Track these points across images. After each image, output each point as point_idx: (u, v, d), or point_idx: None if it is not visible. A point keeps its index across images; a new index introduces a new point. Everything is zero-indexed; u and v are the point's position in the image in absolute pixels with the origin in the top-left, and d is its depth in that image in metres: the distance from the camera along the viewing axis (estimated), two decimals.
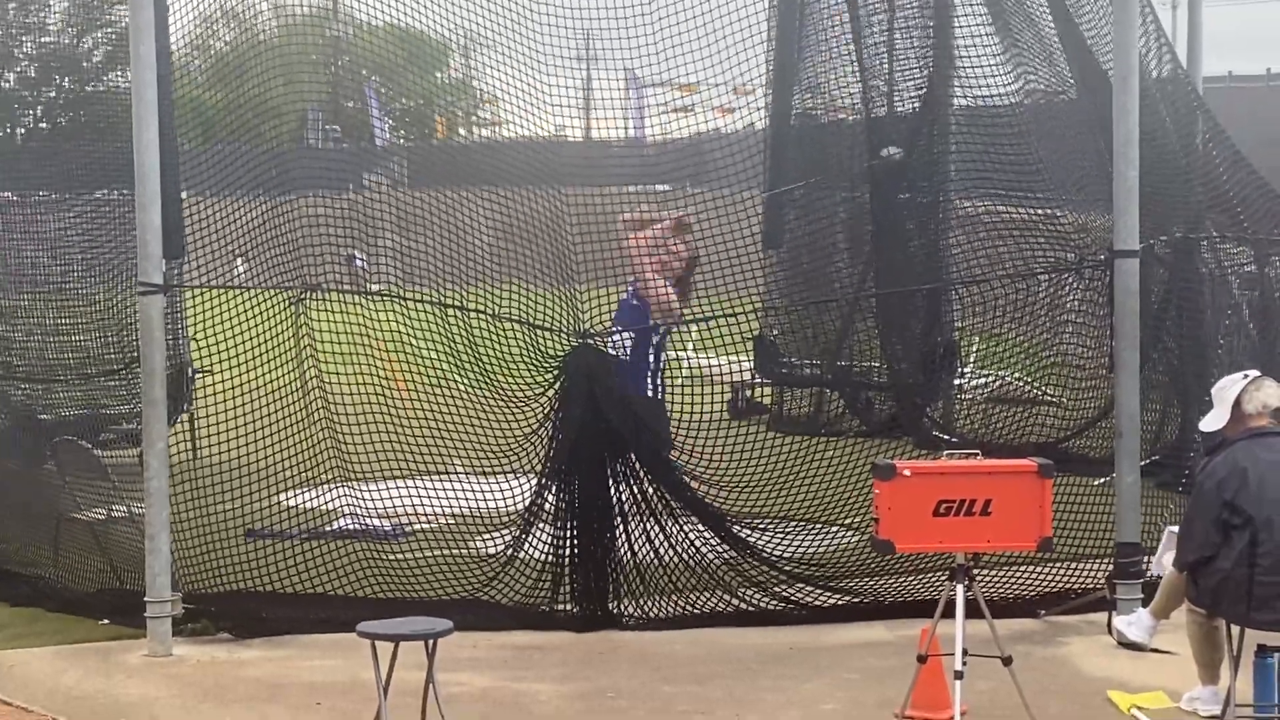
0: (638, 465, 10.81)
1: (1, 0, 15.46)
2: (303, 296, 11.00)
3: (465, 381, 11.37)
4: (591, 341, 10.81)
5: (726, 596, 10.96)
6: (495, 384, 11.12)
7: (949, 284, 12.89)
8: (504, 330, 11.10)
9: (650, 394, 11.89)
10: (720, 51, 11.96)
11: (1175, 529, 9.88)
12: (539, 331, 10.90)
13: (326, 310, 11.39)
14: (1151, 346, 11.47)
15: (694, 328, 12.60)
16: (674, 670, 9.95)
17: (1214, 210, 12.83)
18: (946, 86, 13.82)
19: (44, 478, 12.55)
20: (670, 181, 12.66)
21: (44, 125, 16.25)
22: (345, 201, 12.59)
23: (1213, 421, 8.65)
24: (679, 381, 12.69)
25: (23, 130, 16.41)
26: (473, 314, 11.10)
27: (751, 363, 14.82)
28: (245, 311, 11.23)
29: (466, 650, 10.08)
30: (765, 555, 11.12)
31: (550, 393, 10.79)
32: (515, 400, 11.02)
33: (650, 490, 10.88)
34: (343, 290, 11.42)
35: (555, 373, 10.76)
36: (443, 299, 11.24)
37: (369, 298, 11.55)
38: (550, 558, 10.84)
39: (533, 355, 10.95)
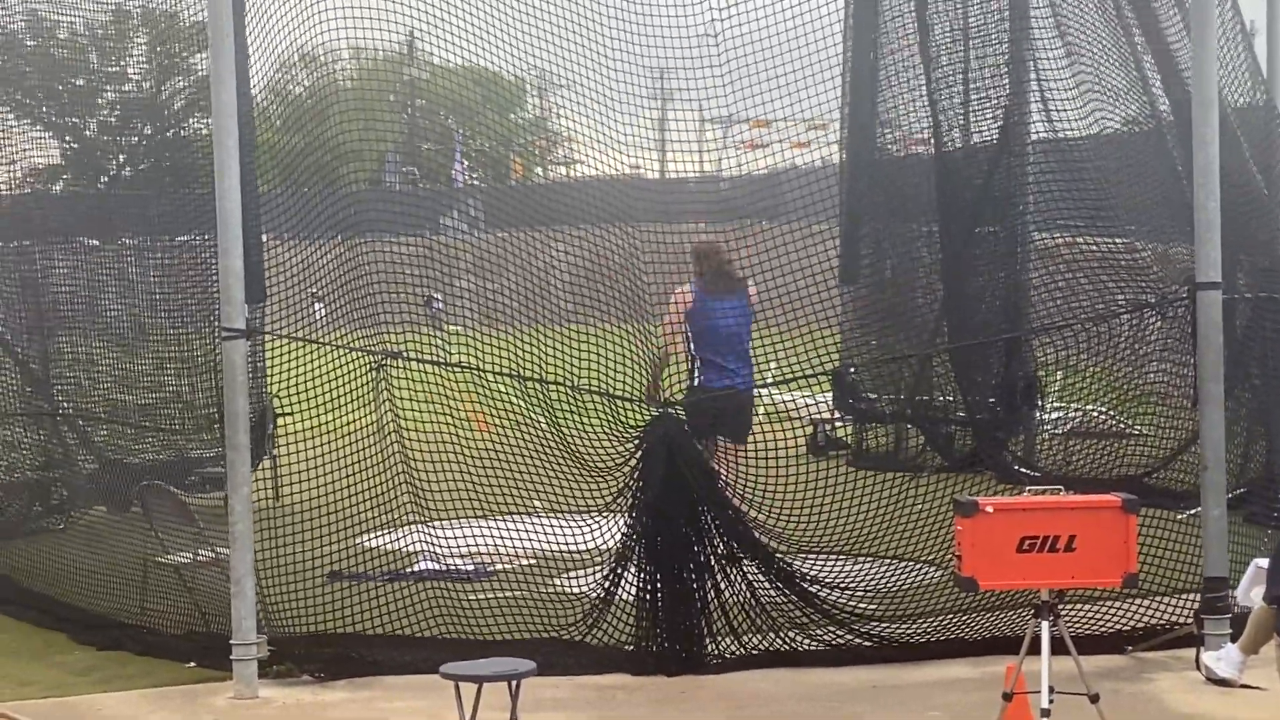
0: (716, 522, 10.80)
1: (84, 49, 15.70)
2: (384, 362, 11.06)
3: (545, 421, 11.39)
4: (672, 410, 10.82)
5: (808, 635, 10.91)
6: (576, 453, 11.13)
7: (1029, 332, 12.81)
8: (583, 401, 11.14)
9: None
10: (795, 85, 11.95)
11: (1262, 562, 9.77)
12: (619, 402, 10.94)
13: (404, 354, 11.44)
14: (1236, 379, 11.33)
15: (771, 364, 12.58)
16: (756, 709, 9.91)
17: None
18: (1024, 118, 13.75)
19: (131, 522, 12.66)
20: (746, 217, 12.66)
21: (126, 172, 16.44)
22: (423, 243, 12.65)
23: None
24: (757, 419, 12.66)
25: (106, 177, 16.62)
26: (552, 387, 11.12)
27: (831, 399, 14.79)
28: (325, 354, 11.30)
29: (549, 691, 10.08)
30: (842, 606, 11.06)
31: (632, 463, 10.80)
32: (597, 469, 11.02)
33: (729, 544, 10.88)
34: (420, 352, 11.43)
35: (636, 442, 10.77)
36: (521, 369, 11.26)
37: (445, 353, 11.58)
38: (634, 599, 10.83)
39: (612, 424, 10.97)
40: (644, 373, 11.21)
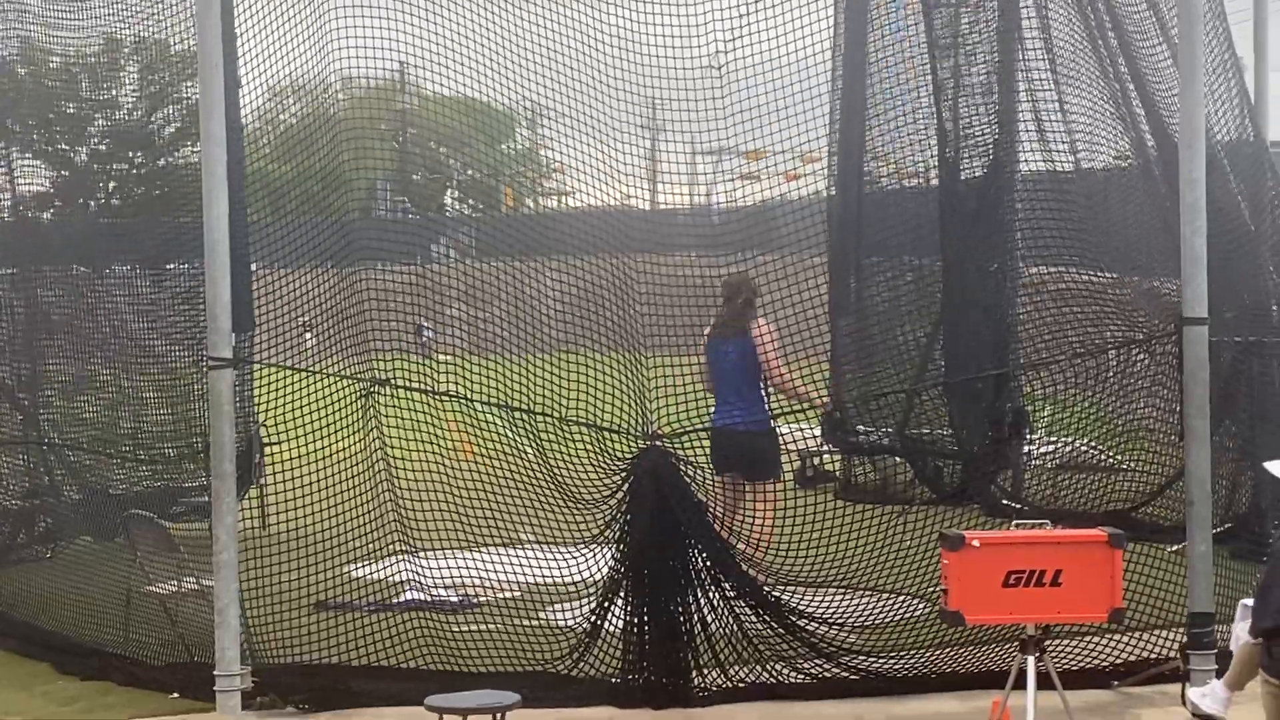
0: (704, 556, 10.78)
1: (75, 77, 15.70)
2: (372, 390, 11.05)
3: (533, 452, 11.38)
4: (660, 444, 10.81)
5: (797, 669, 10.88)
6: (563, 484, 11.11)
7: (1018, 368, 12.82)
8: (571, 434, 11.13)
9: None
10: (787, 118, 11.97)
11: (1249, 602, 9.75)
12: (607, 434, 10.93)
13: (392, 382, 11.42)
14: (1223, 414, 11.33)
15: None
16: None
17: None
18: (1013, 151, 13.76)
19: (115, 551, 12.62)
20: (737, 249, 12.67)
21: (116, 200, 16.44)
22: (413, 272, 12.65)
23: None
24: None
25: (95, 205, 16.61)
26: (539, 418, 11.11)
27: (819, 431, 14.77)
28: (314, 383, 11.29)
29: None
30: (830, 641, 11.03)
31: (619, 495, 10.78)
32: (583, 502, 11.01)
33: (716, 578, 10.85)
34: (409, 380, 11.41)
35: (623, 474, 10.75)
36: (509, 400, 11.24)
37: (435, 382, 11.56)
38: (620, 632, 10.80)
39: (600, 457, 10.96)
40: (638, 403, 11.18)
